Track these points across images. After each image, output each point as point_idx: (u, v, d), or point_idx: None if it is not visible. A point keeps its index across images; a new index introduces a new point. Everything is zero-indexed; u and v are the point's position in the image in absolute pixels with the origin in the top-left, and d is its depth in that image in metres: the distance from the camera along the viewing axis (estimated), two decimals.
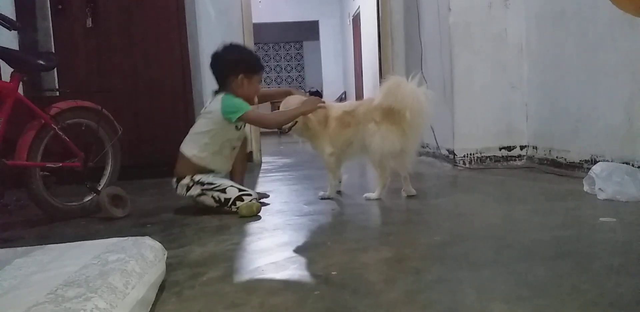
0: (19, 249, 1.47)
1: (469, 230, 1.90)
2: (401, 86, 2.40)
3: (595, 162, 2.62)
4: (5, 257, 1.37)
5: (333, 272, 1.45)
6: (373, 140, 2.44)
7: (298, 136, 2.70)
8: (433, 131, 3.92)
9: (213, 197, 2.37)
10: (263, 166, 4.32)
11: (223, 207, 2.36)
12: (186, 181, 2.43)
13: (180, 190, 2.46)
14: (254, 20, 4.69)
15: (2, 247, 1.52)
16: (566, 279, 1.33)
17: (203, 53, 4.42)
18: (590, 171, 2.39)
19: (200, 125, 2.52)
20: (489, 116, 3.53)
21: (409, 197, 2.57)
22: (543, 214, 2.10)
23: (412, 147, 2.51)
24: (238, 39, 4.48)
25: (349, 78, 9.58)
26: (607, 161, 2.59)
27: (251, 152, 4.58)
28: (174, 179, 2.49)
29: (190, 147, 2.49)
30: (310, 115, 2.55)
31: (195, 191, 2.41)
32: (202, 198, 2.41)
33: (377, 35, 5.03)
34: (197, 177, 2.42)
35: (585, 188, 2.40)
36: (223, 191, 2.36)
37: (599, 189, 2.27)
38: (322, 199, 2.60)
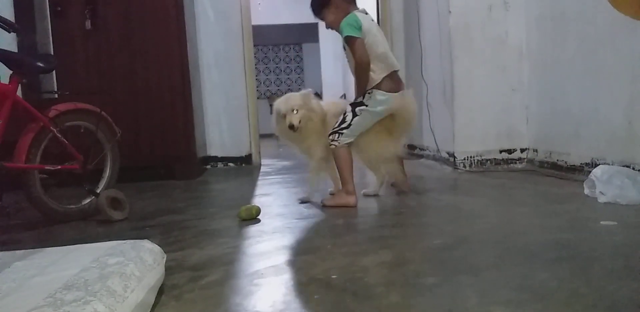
0: (17, 252, 1.46)
1: (470, 233, 1.90)
2: None
3: (596, 165, 2.61)
4: (4, 260, 1.36)
5: (333, 276, 1.45)
6: (369, 145, 2.54)
7: (285, 138, 2.64)
8: (433, 134, 3.92)
9: None
10: (262, 169, 4.32)
11: None
12: None
13: None
14: (254, 23, 4.69)
15: (0, 250, 1.51)
16: (566, 282, 1.32)
17: (202, 55, 4.43)
18: (590, 174, 2.39)
19: None
20: (489, 119, 3.52)
21: (407, 198, 2.58)
22: (543, 217, 2.10)
23: (400, 150, 2.62)
24: (237, 41, 4.49)
25: (348, 80, 9.58)
26: (608, 164, 2.58)
27: (250, 155, 4.59)
28: None
29: None
30: (312, 114, 2.52)
31: None
32: None
33: None
34: None
35: (586, 191, 2.39)
36: None
37: (600, 192, 2.27)
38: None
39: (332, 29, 2.63)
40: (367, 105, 2.51)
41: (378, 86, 2.51)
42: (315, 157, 2.58)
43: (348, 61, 2.67)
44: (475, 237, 1.83)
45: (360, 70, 2.50)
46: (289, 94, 2.58)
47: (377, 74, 2.52)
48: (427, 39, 4.04)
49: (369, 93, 2.52)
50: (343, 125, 2.51)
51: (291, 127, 2.43)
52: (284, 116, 2.48)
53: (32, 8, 3.74)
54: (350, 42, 2.49)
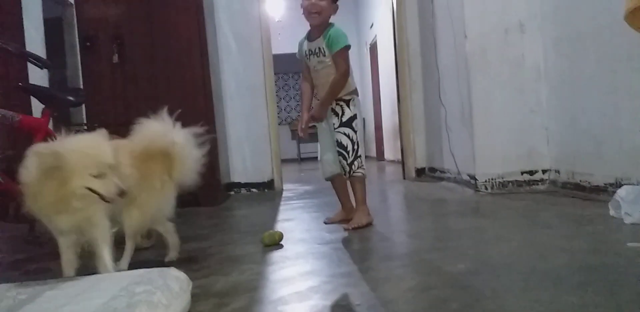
0: (48, 281, 1.51)
1: (493, 257, 1.88)
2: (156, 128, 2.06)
3: (620, 185, 2.57)
4: (36, 289, 1.41)
5: (357, 303, 1.45)
6: (161, 199, 2.05)
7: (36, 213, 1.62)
8: (453, 156, 3.92)
9: None
10: (284, 194, 4.35)
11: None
12: None
13: None
14: (274, 52, 4.81)
15: (32, 280, 1.56)
16: (593, 307, 1.30)
17: (225, 85, 4.55)
18: (615, 194, 2.35)
19: None
20: (509, 140, 3.52)
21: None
22: (568, 240, 2.07)
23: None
24: (259, 70, 4.60)
25: (367, 104, 9.65)
26: (633, 184, 2.55)
27: (272, 180, 4.64)
28: None
29: None
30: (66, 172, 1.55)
31: None
32: None
33: (394, 63, 5.11)
34: None
35: (611, 212, 2.35)
36: None
37: (626, 213, 2.23)
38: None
39: (315, 14, 2.56)
40: (357, 117, 2.63)
41: (356, 92, 2.69)
42: (100, 227, 1.73)
43: (317, 70, 2.67)
44: (499, 261, 1.82)
45: (343, 79, 2.62)
46: (90, 139, 1.78)
47: (354, 82, 2.71)
48: (444, 64, 4.09)
49: (352, 100, 2.64)
50: (355, 147, 2.57)
51: (119, 194, 1.59)
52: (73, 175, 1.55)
53: (63, 44, 3.91)
54: (344, 52, 2.62)
